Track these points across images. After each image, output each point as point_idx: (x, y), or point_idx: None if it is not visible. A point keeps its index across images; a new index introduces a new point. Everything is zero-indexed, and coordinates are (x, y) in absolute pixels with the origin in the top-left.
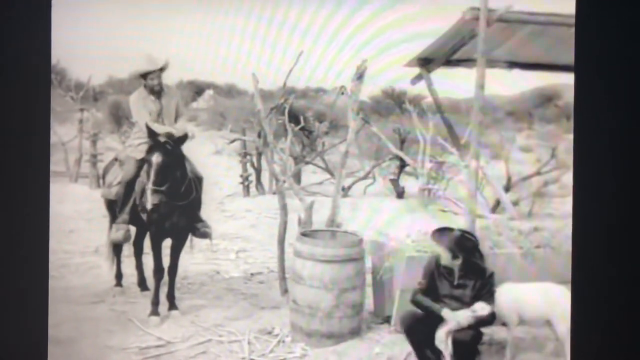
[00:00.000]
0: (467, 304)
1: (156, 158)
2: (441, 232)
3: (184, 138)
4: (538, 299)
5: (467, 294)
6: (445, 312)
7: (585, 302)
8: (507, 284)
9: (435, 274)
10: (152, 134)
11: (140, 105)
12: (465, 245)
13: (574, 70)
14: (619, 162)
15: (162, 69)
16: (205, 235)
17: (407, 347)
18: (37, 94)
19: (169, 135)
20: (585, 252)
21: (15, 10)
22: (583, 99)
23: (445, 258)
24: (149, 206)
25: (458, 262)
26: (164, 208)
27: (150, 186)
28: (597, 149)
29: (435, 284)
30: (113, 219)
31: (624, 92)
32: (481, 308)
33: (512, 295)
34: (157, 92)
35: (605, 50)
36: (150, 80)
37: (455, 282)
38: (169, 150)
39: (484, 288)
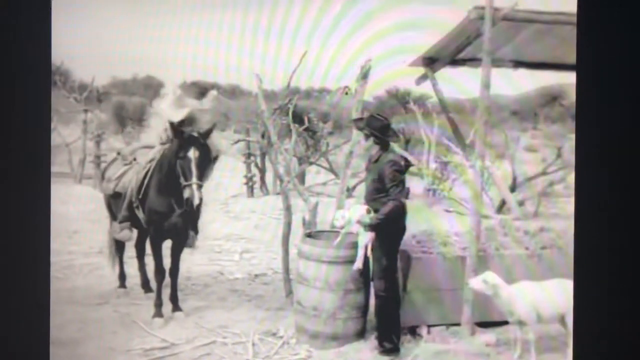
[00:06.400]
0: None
1: (193, 153)
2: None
3: (210, 131)
4: (554, 296)
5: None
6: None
7: (587, 303)
8: (522, 282)
9: None
10: (177, 131)
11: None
12: (373, 124)
13: (576, 70)
14: (621, 162)
15: None
16: (189, 245)
17: (412, 349)
18: (38, 95)
19: (206, 132)
20: (588, 252)
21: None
22: (585, 98)
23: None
24: (196, 201)
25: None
26: (165, 208)
27: (194, 181)
28: (599, 148)
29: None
30: (112, 215)
31: (626, 91)
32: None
33: (529, 294)
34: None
35: (607, 49)
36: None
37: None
38: (202, 144)
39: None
